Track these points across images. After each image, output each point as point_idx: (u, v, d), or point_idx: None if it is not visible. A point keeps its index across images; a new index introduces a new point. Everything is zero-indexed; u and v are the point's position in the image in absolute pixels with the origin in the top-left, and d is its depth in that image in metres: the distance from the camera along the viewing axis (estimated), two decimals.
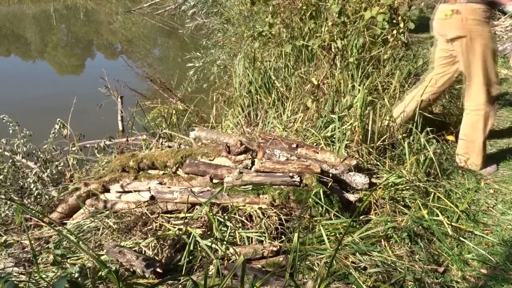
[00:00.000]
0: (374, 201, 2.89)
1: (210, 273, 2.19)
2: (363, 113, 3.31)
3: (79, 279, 1.95)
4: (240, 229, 2.57)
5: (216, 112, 4.96)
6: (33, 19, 18.11)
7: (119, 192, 3.07)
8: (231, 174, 2.81)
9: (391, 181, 3.00)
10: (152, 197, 2.89)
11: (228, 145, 3.09)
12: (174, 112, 4.98)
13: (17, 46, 13.73)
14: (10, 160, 3.61)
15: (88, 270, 2.12)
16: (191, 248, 2.40)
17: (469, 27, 3.16)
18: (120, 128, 5.78)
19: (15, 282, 1.35)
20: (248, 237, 2.51)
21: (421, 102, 3.54)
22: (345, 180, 2.98)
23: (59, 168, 3.71)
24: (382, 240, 2.55)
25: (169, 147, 3.75)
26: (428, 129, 3.47)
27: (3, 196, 3.31)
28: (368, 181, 2.94)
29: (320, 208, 2.61)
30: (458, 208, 2.93)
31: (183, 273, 2.26)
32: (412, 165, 3.19)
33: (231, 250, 2.31)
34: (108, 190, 3.15)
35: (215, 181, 2.91)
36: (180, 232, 2.53)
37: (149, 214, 2.82)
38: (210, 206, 2.63)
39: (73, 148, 4.14)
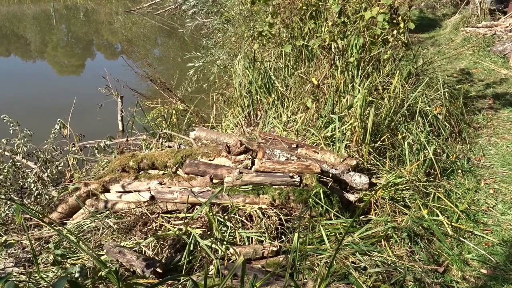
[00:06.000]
0: (374, 201, 2.90)
1: (210, 273, 2.19)
2: (363, 113, 3.31)
3: (79, 279, 1.95)
4: (240, 229, 2.57)
5: (216, 112, 4.96)
6: (33, 19, 18.10)
7: (119, 192, 3.07)
8: (231, 174, 2.81)
9: (391, 181, 3.00)
10: (152, 197, 2.89)
11: (228, 145, 3.09)
12: (174, 112, 4.97)
13: (17, 46, 13.72)
14: (10, 160, 3.61)
15: (88, 270, 2.12)
16: (191, 248, 2.40)
17: None
18: (120, 128, 5.78)
19: (15, 282, 1.35)
20: (248, 237, 2.51)
21: None
22: (345, 180, 2.98)
23: (59, 168, 3.71)
24: (382, 240, 2.55)
25: (169, 147, 3.75)
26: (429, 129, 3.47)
27: (3, 196, 3.31)
28: (368, 181, 2.94)
29: (320, 208, 2.61)
30: (458, 208, 2.93)
31: (183, 273, 2.26)
32: (412, 165, 3.19)
33: (231, 250, 2.31)
34: (108, 190, 3.15)
35: (215, 181, 2.91)
36: (180, 232, 2.53)
37: (149, 214, 2.82)
38: (210, 206, 2.63)
39: (73, 148, 4.14)
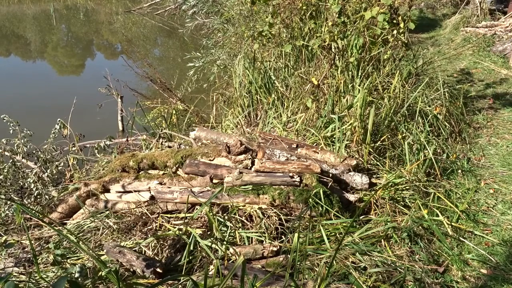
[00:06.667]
0: (374, 201, 2.90)
1: (210, 273, 2.19)
2: (363, 113, 3.31)
3: (79, 279, 1.95)
4: (240, 229, 2.57)
5: (216, 112, 4.96)
6: (33, 19, 18.09)
7: (119, 192, 3.07)
8: (231, 174, 2.81)
9: (391, 181, 3.00)
10: (152, 197, 2.89)
11: (228, 145, 3.09)
12: (174, 112, 4.98)
13: (17, 46, 13.72)
14: (10, 160, 3.61)
15: (88, 270, 2.12)
16: (191, 248, 2.40)
17: None
18: (120, 128, 5.78)
19: (15, 282, 1.35)
20: (248, 237, 2.51)
21: None
22: (345, 180, 2.98)
23: (59, 168, 3.71)
24: (382, 240, 2.55)
25: (169, 147, 3.75)
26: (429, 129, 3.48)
27: (3, 196, 3.31)
28: (368, 181, 2.94)
29: (320, 208, 2.61)
30: (458, 208, 2.93)
31: (183, 273, 2.26)
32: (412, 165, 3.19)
33: (231, 250, 2.31)
34: (108, 190, 3.14)
35: (215, 181, 2.91)
36: (180, 232, 2.53)
37: (149, 214, 2.82)
38: (210, 206, 2.63)
39: (73, 148, 4.14)
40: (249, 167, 2.97)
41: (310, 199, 2.62)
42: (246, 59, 4.76)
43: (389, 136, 3.49)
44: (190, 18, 12.13)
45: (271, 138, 3.25)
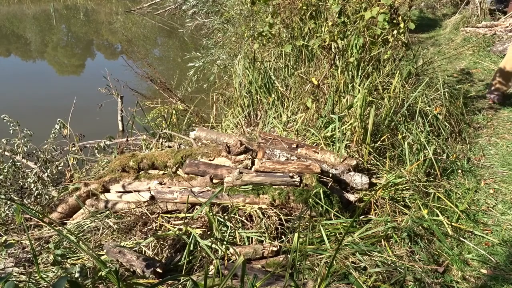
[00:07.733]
0: (374, 201, 2.90)
1: (210, 273, 2.19)
2: (363, 113, 3.31)
3: (79, 279, 1.96)
4: (240, 229, 2.57)
5: (216, 112, 4.96)
6: (33, 19, 18.10)
7: (119, 192, 3.07)
8: (231, 174, 2.81)
9: (391, 181, 3.00)
10: (152, 197, 2.89)
11: (228, 145, 3.09)
12: (174, 112, 4.98)
13: (17, 46, 13.72)
14: (10, 160, 3.61)
15: (88, 270, 2.12)
16: (191, 248, 2.40)
17: None
18: (120, 128, 5.78)
19: (15, 282, 1.35)
20: (248, 237, 2.51)
21: None
22: (345, 180, 2.98)
23: (59, 168, 3.71)
24: (382, 240, 2.55)
25: (169, 147, 3.75)
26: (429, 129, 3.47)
27: (3, 196, 3.31)
28: (368, 181, 2.94)
29: (320, 208, 2.61)
30: (458, 208, 2.93)
31: (183, 273, 2.26)
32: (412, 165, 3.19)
33: (231, 250, 2.31)
34: (108, 190, 3.15)
35: (215, 181, 2.91)
36: (180, 232, 2.53)
37: (149, 214, 2.82)
38: (210, 206, 2.63)
39: (73, 148, 4.14)
40: (249, 167, 2.97)
41: (310, 199, 2.62)
42: (246, 59, 4.76)
43: (389, 136, 3.49)
44: (190, 18, 12.13)
45: (271, 138, 3.25)
